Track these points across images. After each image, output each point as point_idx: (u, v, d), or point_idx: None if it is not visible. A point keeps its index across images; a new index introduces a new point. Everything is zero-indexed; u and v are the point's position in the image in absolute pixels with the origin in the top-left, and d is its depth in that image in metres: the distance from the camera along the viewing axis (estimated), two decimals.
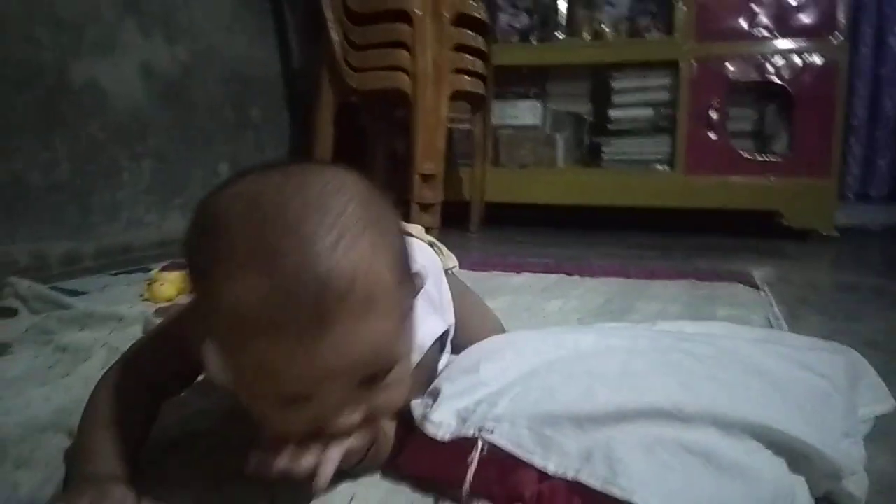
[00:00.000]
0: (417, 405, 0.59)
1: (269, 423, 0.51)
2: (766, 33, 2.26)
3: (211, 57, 2.11)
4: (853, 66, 2.41)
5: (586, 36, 2.50)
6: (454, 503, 0.56)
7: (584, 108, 2.55)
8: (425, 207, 2.09)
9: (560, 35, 2.55)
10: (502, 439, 0.52)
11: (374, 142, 2.56)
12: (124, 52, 1.77)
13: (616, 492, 0.47)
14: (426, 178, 2.07)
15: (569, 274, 1.54)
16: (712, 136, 2.32)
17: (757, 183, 2.29)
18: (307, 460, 0.49)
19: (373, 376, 0.49)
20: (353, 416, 0.49)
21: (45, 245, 1.58)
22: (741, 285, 1.43)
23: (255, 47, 2.34)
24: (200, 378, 0.86)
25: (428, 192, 2.08)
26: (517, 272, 1.56)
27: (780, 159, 2.29)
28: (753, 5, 2.26)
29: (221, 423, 0.72)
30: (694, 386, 0.55)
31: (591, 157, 2.55)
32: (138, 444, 0.59)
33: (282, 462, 0.49)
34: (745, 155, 2.32)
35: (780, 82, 2.25)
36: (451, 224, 2.36)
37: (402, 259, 0.51)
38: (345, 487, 0.58)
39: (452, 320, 0.65)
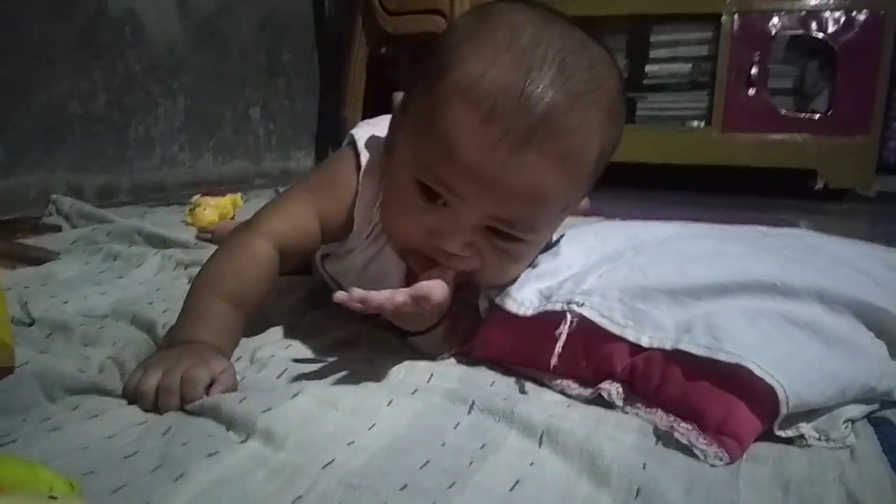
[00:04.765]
0: (492, 288, 0.57)
1: (397, 218, 0.54)
2: None
3: None
4: None
5: None
6: (536, 383, 0.54)
7: (619, 63, 2.49)
8: None
9: None
10: (593, 312, 0.51)
11: None
12: None
13: (722, 357, 0.45)
14: None
15: (608, 218, 1.52)
16: (751, 92, 2.26)
17: (795, 141, 2.24)
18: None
19: (507, 227, 0.51)
20: (464, 249, 0.51)
21: (82, 176, 1.57)
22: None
23: None
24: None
25: None
26: None
27: (819, 117, 2.24)
28: None
29: (293, 310, 0.71)
30: (791, 267, 0.53)
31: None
32: (248, 319, 0.58)
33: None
34: (784, 112, 2.26)
35: (823, 38, 2.19)
36: None
37: (603, 160, 0.54)
38: (423, 365, 0.57)
39: None
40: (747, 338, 0.46)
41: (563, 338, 0.50)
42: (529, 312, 0.53)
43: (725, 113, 2.30)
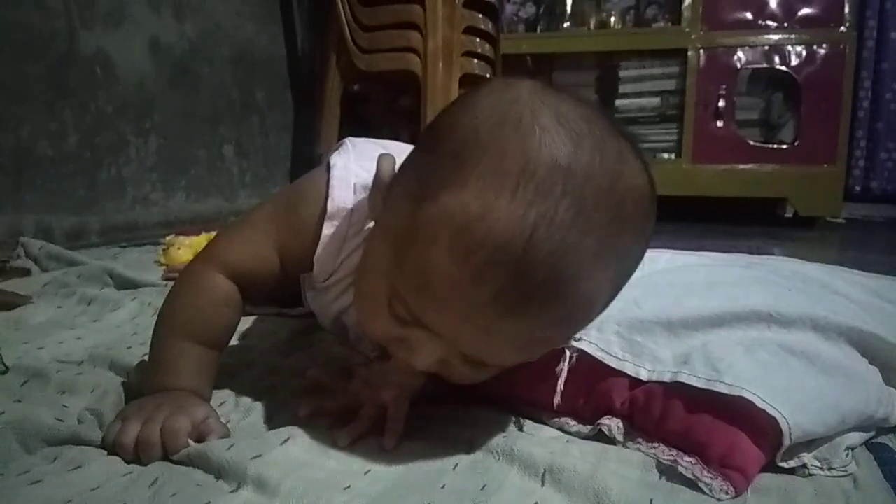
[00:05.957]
0: None
1: (366, 313, 0.47)
2: (773, 23, 2.27)
3: (218, 37, 2.07)
4: (859, 58, 2.42)
5: (592, 25, 2.50)
6: (533, 420, 0.53)
7: (589, 98, 2.54)
8: None
9: (567, 25, 2.54)
10: (591, 346, 0.50)
11: (378, 131, 2.53)
12: (134, 24, 1.74)
13: (723, 389, 0.44)
14: None
15: None
16: (719, 124, 2.31)
17: (763, 170, 2.29)
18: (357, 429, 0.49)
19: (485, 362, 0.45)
20: (432, 366, 0.45)
21: (51, 217, 1.53)
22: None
23: (262, 31, 2.31)
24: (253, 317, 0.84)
25: None
26: None
27: (786, 147, 2.29)
28: None
29: (275, 352, 0.70)
30: (784, 296, 0.53)
31: None
32: (219, 355, 0.56)
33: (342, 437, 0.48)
34: (752, 143, 2.32)
35: (787, 71, 2.25)
36: None
37: (609, 299, 0.46)
38: (420, 407, 0.55)
39: None
40: (746, 368, 0.45)
41: (564, 374, 0.49)
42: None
43: (695, 145, 2.35)
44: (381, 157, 0.49)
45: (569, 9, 2.54)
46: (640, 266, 0.47)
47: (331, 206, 0.54)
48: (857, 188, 2.62)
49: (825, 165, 2.23)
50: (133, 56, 1.75)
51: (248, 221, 0.59)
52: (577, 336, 0.50)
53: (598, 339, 0.50)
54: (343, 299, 0.57)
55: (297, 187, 0.60)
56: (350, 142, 0.59)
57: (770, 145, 2.32)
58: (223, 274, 0.55)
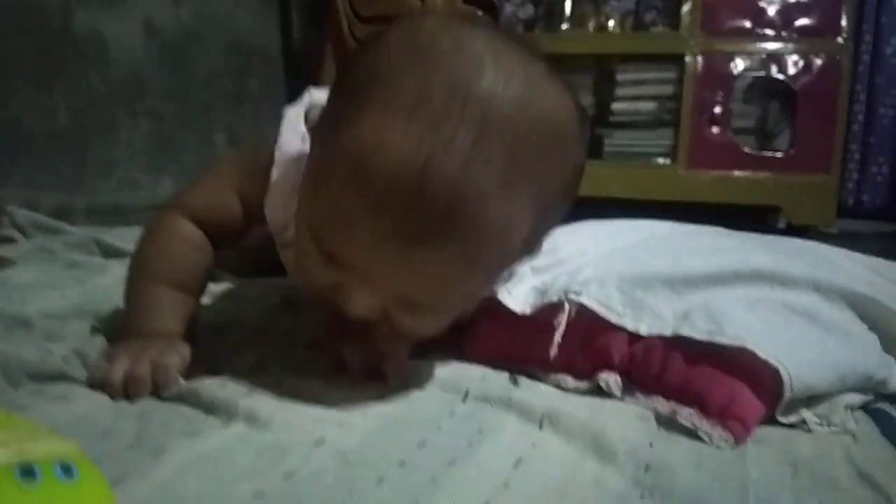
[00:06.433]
0: None
1: (300, 263, 0.46)
2: (771, 32, 2.28)
3: (214, 23, 2.06)
4: (854, 71, 2.44)
5: (590, 27, 2.51)
6: (530, 378, 0.52)
7: (586, 101, 2.54)
8: None
9: (565, 27, 2.55)
10: (591, 300, 0.49)
11: None
12: (129, 5, 1.73)
13: (724, 340, 0.44)
14: None
15: None
16: (715, 130, 2.32)
17: (758, 178, 2.30)
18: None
19: (412, 306, 0.43)
20: (370, 312, 0.43)
21: (38, 194, 1.51)
22: None
23: (258, 20, 2.30)
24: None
25: None
26: None
27: (781, 155, 2.30)
28: (760, 3, 2.28)
29: (265, 314, 0.68)
30: (785, 260, 0.52)
31: (591, 148, 2.54)
32: (196, 299, 0.55)
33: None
34: (747, 150, 2.32)
35: (784, 79, 2.27)
36: None
37: (538, 235, 0.46)
38: (409, 361, 0.54)
39: None
40: (748, 322, 0.45)
41: (562, 327, 0.49)
42: (528, 311, 0.51)
43: (690, 150, 2.35)
44: (311, 106, 0.49)
45: (568, 10, 2.55)
46: (643, 227, 0.47)
47: (278, 154, 0.53)
48: (851, 202, 2.64)
49: (819, 175, 2.24)
50: (127, 37, 1.73)
51: (214, 168, 0.59)
52: (577, 289, 0.50)
53: (598, 294, 0.49)
54: None
55: (261, 137, 0.60)
56: (309, 92, 0.58)
57: (765, 153, 2.33)
58: (188, 219, 0.54)
